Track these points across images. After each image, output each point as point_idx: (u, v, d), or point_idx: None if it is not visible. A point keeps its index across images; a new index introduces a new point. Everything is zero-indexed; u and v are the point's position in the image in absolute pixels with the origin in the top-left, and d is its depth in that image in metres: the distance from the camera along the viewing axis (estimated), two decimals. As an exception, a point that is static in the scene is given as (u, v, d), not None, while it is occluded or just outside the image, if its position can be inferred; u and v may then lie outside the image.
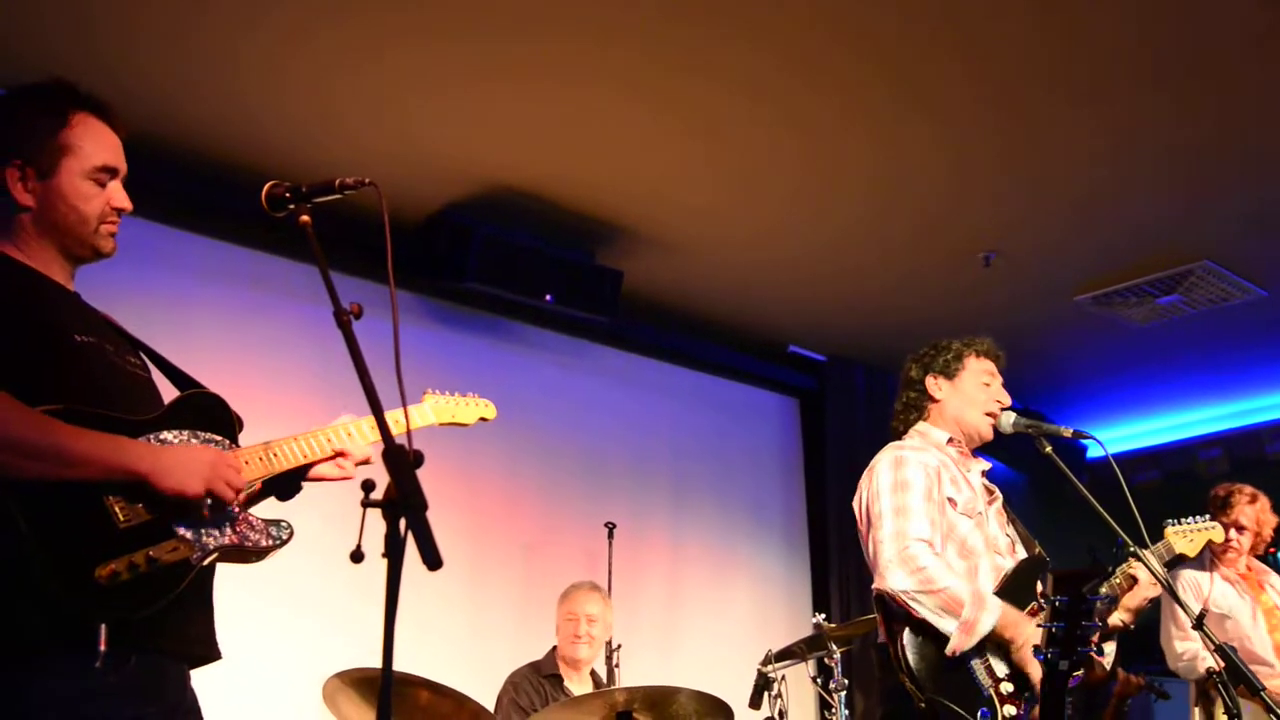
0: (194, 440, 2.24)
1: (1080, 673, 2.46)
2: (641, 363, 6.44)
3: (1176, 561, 3.84)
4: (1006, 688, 3.08)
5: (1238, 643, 4.81)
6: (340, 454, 2.44)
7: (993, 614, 3.09)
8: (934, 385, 3.53)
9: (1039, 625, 2.39)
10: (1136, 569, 3.25)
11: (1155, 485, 8.04)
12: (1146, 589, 3.27)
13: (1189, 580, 4.99)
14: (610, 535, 5.36)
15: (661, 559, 6.16)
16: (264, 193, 2.24)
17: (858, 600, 6.41)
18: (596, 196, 5.23)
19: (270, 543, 2.29)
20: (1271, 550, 5.13)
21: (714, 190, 5.19)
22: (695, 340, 6.59)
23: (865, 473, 3.41)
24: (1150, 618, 3.69)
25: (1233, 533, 4.97)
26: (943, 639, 3.08)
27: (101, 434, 2.06)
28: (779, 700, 4.64)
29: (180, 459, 2.12)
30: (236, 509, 2.23)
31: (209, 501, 2.13)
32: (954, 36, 4.11)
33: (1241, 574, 5.01)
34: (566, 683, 4.77)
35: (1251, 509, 5.00)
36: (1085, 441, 3.36)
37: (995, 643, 3.12)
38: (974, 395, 3.50)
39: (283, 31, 4.03)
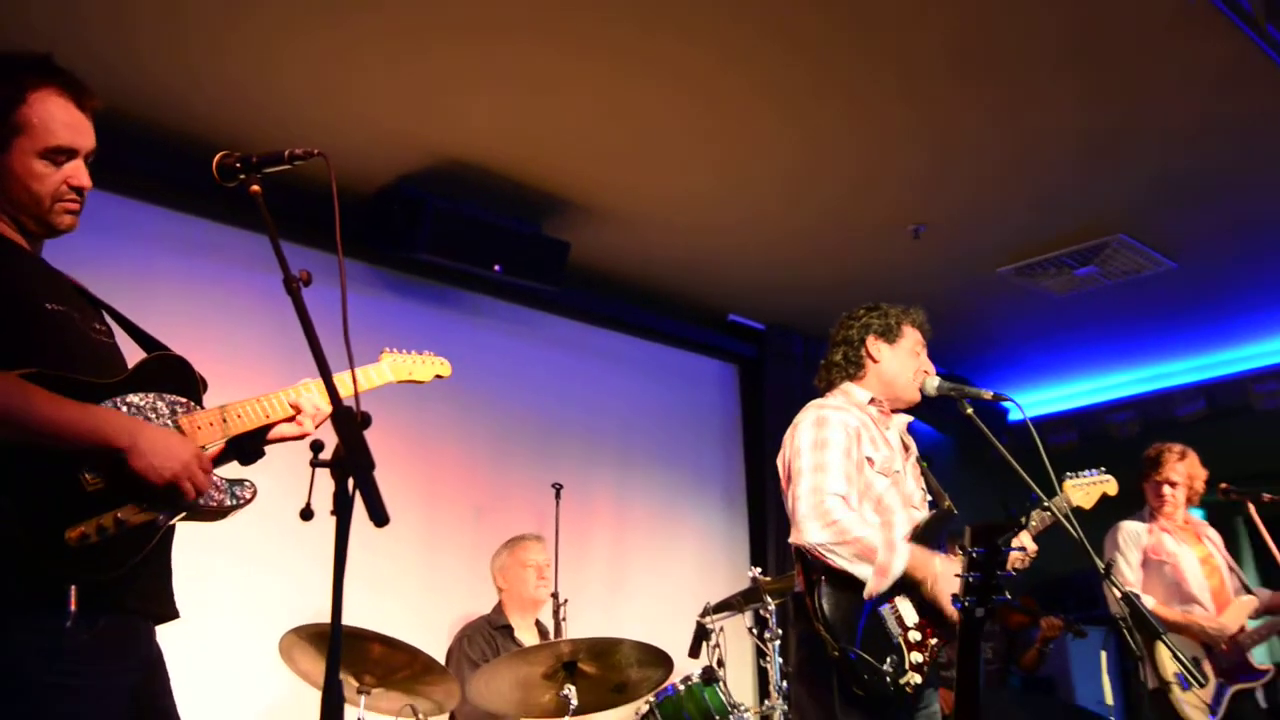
0: (160, 402, 2.22)
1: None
2: (587, 331, 6.44)
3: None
4: (914, 636, 3.14)
5: (1175, 586, 4.93)
6: (297, 410, 2.43)
7: (903, 557, 3.14)
8: (874, 346, 3.52)
9: (957, 575, 2.43)
10: (1036, 520, 3.32)
11: (1072, 446, 8.17)
12: (1028, 545, 3.33)
13: (1130, 531, 5.07)
14: (558, 496, 5.38)
15: (607, 518, 6.19)
16: (215, 163, 2.22)
17: (791, 556, 6.47)
18: (543, 171, 5.20)
19: (233, 502, 2.28)
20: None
21: (656, 166, 5.18)
22: (639, 309, 6.59)
23: (789, 430, 3.42)
24: (1075, 568, 3.76)
25: (1167, 490, 5.07)
26: (858, 588, 3.12)
27: (84, 404, 2.04)
28: (717, 650, 4.68)
29: (161, 444, 2.09)
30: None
31: (163, 492, 2.09)
32: (880, 26, 4.13)
33: (1180, 526, 5.09)
34: (517, 633, 4.82)
35: (1182, 465, 5.10)
36: (1005, 404, 3.38)
37: (906, 589, 3.17)
38: (908, 361, 3.52)
39: (236, 9, 3.96)
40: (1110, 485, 3.79)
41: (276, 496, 2.62)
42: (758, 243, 6.00)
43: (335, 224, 2.11)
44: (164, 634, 2.27)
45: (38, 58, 2.23)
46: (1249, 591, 5.04)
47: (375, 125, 4.76)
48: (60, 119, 2.20)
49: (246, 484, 2.30)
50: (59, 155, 2.20)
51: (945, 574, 3.12)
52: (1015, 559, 3.26)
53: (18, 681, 1.92)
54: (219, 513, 2.26)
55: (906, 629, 3.14)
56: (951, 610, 2.69)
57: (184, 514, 2.18)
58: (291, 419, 2.43)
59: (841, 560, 3.12)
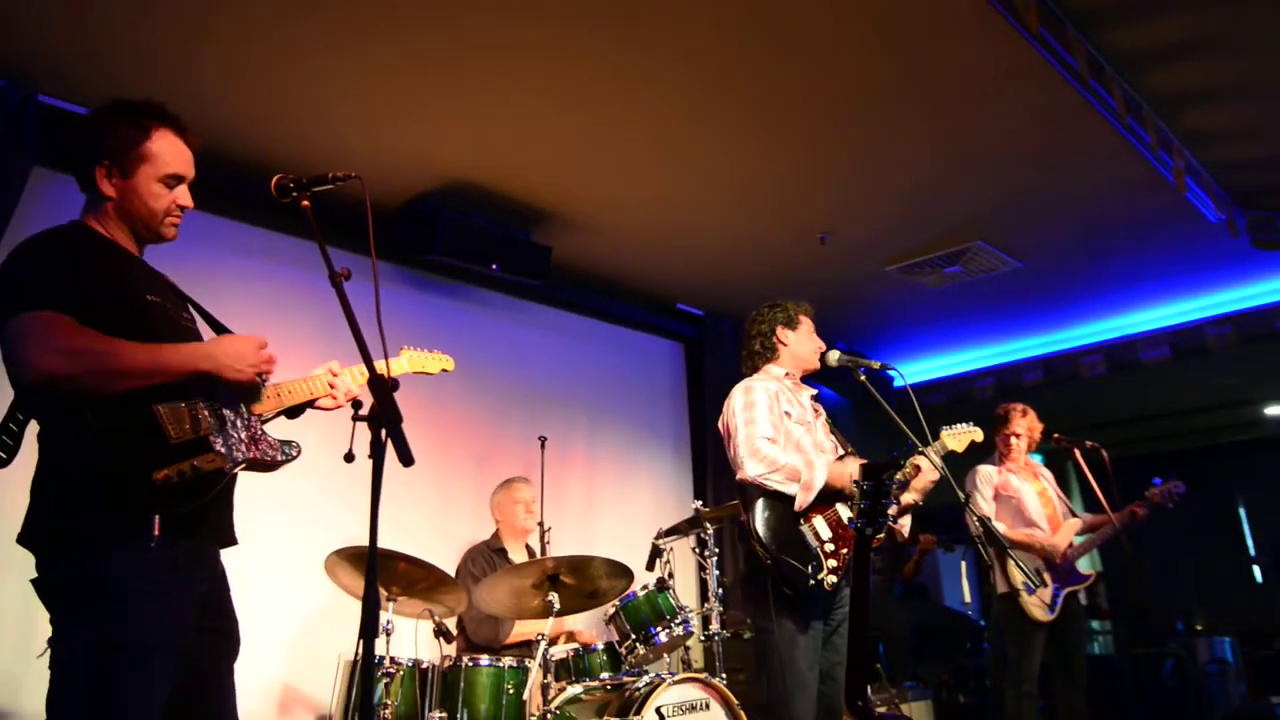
0: None
1: (882, 536, 2.55)
2: (566, 316, 6.43)
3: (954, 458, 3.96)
4: (829, 547, 3.20)
5: (1019, 515, 5.02)
6: (333, 387, 2.45)
7: (822, 471, 3.22)
8: (783, 334, 3.62)
9: (861, 463, 2.47)
10: (919, 461, 3.38)
11: (941, 406, 8.27)
12: (929, 474, 3.40)
13: (984, 473, 5.13)
14: (543, 446, 5.39)
15: (581, 463, 6.21)
16: (273, 183, 2.23)
17: (726, 492, 6.51)
18: (532, 189, 5.19)
19: (283, 458, 2.31)
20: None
21: (619, 186, 5.18)
22: (606, 299, 6.58)
23: (726, 402, 3.51)
24: (945, 500, 3.81)
25: (1013, 440, 5.15)
26: (787, 506, 3.18)
27: (171, 345, 2.10)
28: (668, 565, 4.73)
29: (230, 351, 2.17)
30: (259, 432, 2.24)
31: (260, 379, 2.21)
32: (767, 91, 4.15)
33: (1022, 467, 5.17)
34: (510, 554, 4.83)
35: (1024, 421, 5.17)
36: (890, 372, 3.44)
37: (825, 501, 3.24)
38: (807, 340, 3.63)
39: (290, 67, 3.92)
40: (978, 434, 3.85)
41: (324, 446, 2.63)
42: (699, 246, 6.02)
43: (369, 232, 2.12)
44: (235, 555, 2.28)
45: (155, 105, 2.26)
46: (1074, 515, 5.16)
47: (400, 154, 4.73)
48: (175, 152, 2.25)
49: (294, 444, 2.33)
50: (172, 180, 2.25)
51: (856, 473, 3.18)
52: (923, 483, 3.35)
53: (116, 589, 1.94)
54: (273, 466, 2.29)
55: (822, 541, 3.21)
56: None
57: (245, 466, 2.19)
58: (328, 395, 2.47)
59: (776, 484, 3.20)
